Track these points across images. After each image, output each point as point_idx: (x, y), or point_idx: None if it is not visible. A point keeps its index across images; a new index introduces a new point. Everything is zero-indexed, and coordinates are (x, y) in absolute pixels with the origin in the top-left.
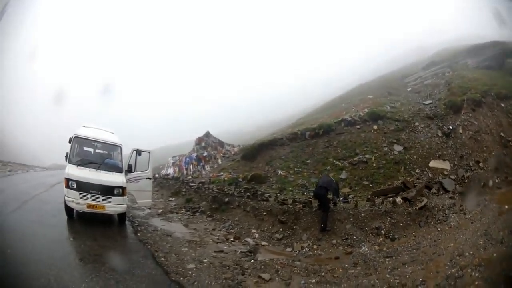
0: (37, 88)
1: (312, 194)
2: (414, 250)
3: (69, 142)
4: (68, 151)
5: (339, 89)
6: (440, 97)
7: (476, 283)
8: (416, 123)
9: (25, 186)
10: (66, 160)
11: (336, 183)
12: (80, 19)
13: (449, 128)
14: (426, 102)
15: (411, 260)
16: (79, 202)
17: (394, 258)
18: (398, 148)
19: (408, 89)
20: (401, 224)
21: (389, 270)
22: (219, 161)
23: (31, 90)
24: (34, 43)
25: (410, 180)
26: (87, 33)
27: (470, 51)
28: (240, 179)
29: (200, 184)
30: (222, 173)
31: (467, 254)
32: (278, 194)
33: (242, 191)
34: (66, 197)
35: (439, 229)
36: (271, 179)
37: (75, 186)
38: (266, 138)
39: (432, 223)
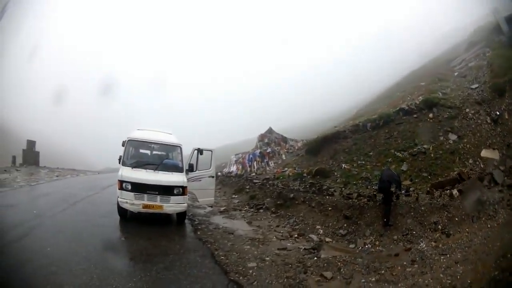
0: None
1: (376, 188)
2: (466, 248)
3: (123, 145)
4: (122, 154)
5: (391, 77)
6: (484, 80)
7: None
8: (467, 110)
9: (74, 189)
10: (119, 163)
11: (398, 176)
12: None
13: (496, 114)
14: (473, 87)
15: (463, 259)
16: (134, 203)
17: (448, 256)
18: (452, 137)
19: (455, 74)
20: (456, 219)
21: (443, 269)
22: (283, 156)
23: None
24: (34, 42)
25: (465, 171)
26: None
27: (499, 27)
28: (305, 174)
29: (265, 181)
30: (286, 168)
31: (508, 256)
32: (343, 188)
33: (307, 186)
34: (119, 199)
35: (489, 225)
36: (336, 173)
37: (129, 187)
38: (329, 131)
39: (483, 218)
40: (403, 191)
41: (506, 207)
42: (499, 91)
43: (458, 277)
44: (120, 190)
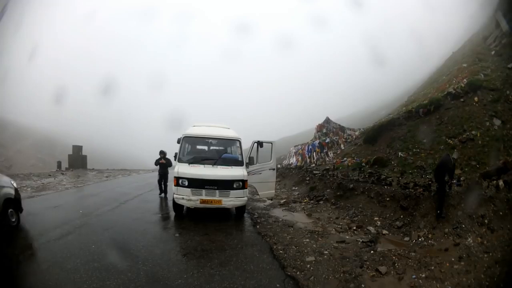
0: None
1: (430, 177)
2: (506, 247)
3: (178, 142)
4: (178, 151)
5: (435, 61)
6: None
7: None
8: (507, 92)
9: (125, 188)
10: (175, 160)
11: (453, 164)
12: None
13: None
14: (510, 66)
15: (502, 259)
16: (191, 198)
17: (491, 254)
18: (497, 122)
19: (492, 52)
20: (501, 213)
21: (484, 269)
22: (342, 146)
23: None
24: (34, 42)
25: (510, 160)
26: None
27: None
28: (363, 164)
29: (325, 171)
30: (345, 158)
31: None
32: (400, 178)
33: (366, 176)
34: (175, 195)
35: None
36: (392, 162)
37: (186, 183)
38: (385, 119)
39: None
40: (454, 181)
41: None
42: None
43: (495, 279)
44: (176, 187)
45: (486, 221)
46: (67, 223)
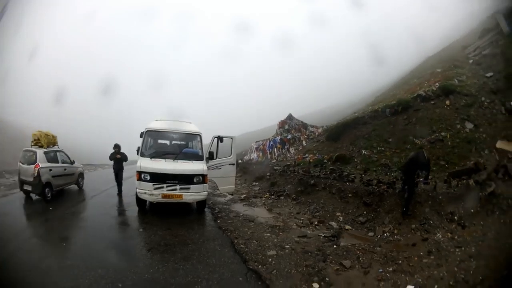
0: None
1: (395, 175)
2: (480, 242)
3: (141, 136)
4: (140, 145)
5: (408, 63)
6: (499, 69)
7: None
8: (482, 98)
9: (92, 183)
10: (138, 154)
11: (427, 159)
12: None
13: (510, 105)
14: (488, 75)
15: (476, 254)
16: (153, 193)
17: (463, 249)
18: (469, 125)
19: (470, 61)
20: (472, 211)
21: (457, 262)
22: (304, 143)
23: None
24: (34, 42)
25: (481, 161)
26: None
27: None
28: (325, 160)
29: (285, 167)
30: (307, 155)
31: None
32: (363, 175)
33: (327, 172)
34: (137, 190)
35: (502, 220)
36: (356, 159)
37: (148, 178)
38: (349, 117)
39: (497, 212)
40: (421, 179)
41: None
42: None
43: (471, 272)
44: (138, 181)
45: (456, 217)
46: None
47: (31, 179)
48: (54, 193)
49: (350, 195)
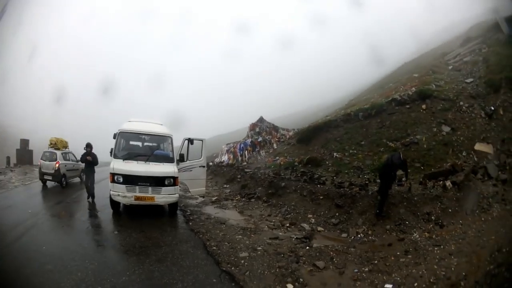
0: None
1: (368, 177)
2: (460, 240)
3: (114, 137)
4: (113, 147)
5: (385, 68)
6: (479, 75)
7: (505, 285)
8: (461, 103)
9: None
10: (111, 156)
11: (402, 160)
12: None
13: (490, 109)
14: (468, 81)
15: (457, 251)
16: (126, 195)
17: (442, 247)
18: (446, 128)
19: (450, 67)
20: (450, 210)
21: (437, 260)
22: (274, 145)
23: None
24: (33, 42)
25: (458, 163)
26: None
27: (498, 25)
28: (296, 163)
29: (256, 170)
30: (277, 157)
31: (504, 250)
32: (335, 177)
33: (298, 175)
34: (111, 192)
35: (483, 218)
36: (327, 162)
37: (121, 179)
38: (321, 120)
39: (477, 211)
40: (396, 180)
41: (501, 202)
42: (494, 87)
43: (453, 269)
44: (112, 183)
45: (433, 217)
46: (20, 224)
47: (53, 172)
48: (68, 182)
49: (321, 197)
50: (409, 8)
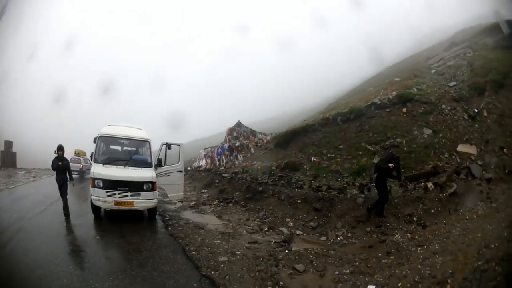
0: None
1: (346, 181)
2: (445, 239)
3: (94, 141)
4: (94, 151)
5: (365, 73)
6: (463, 78)
7: (498, 279)
8: (443, 106)
9: (50, 189)
10: (91, 160)
11: (396, 158)
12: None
13: (474, 111)
14: (451, 84)
15: (441, 250)
16: (106, 200)
17: (425, 247)
18: (427, 131)
19: (432, 71)
20: (432, 211)
21: (420, 260)
22: (252, 150)
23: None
24: (34, 42)
25: (440, 164)
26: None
27: (487, 30)
28: (274, 167)
29: (233, 174)
30: (255, 162)
31: (492, 246)
32: (312, 181)
33: (276, 179)
34: (92, 196)
35: (467, 217)
36: (305, 166)
37: (101, 184)
38: (298, 125)
39: (461, 210)
40: (373, 184)
41: (486, 200)
42: (478, 90)
43: (438, 267)
44: (93, 188)
45: (414, 218)
46: (7, 229)
47: (78, 170)
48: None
49: (299, 201)
50: (409, 8)
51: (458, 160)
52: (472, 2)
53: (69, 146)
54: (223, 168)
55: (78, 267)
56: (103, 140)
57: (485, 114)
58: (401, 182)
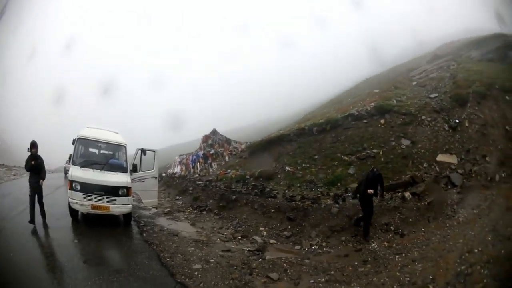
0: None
1: (321, 191)
2: (424, 247)
3: (73, 143)
4: (72, 153)
5: (346, 84)
6: (445, 90)
7: (485, 280)
8: (423, 117)
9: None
10: (70, 162)
11: (376, 175)
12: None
13: (455, 122)
14: (432, 96)
15: (421, 257)
16: (83, 203)
17: (404, 255)
18: (405, 142)
19: (414, 83)
20: (410, 220)
21: (399, 267)
22: (226, 158)
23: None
24: (34, 42)
25: (418, 174)
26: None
27: (473, 44)
28: (248, 176)
29: (208, 182)
30: (229, 170)
31: (475, 250)
32: (286, 191)
33: (249, 188)
34: (70, 199)
35: (448, 224)
36: (279, 176)
37: (79, 187)
38: (274, 134)
39: (441, 218)
40: (350, 194)
41: (467, 207)
42: (460, 101)
43: (418, 274)
44: (70, 191)
45: (392, 227)
46: None
47: None
48: None
49: (273, 210)
50: (409, 8)
51: (438, 169)
52: (472, 2)
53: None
54: (197, 175)
55: (57, 270)
56: (81, 143)
57: (467, 125)
58: (383, 198)
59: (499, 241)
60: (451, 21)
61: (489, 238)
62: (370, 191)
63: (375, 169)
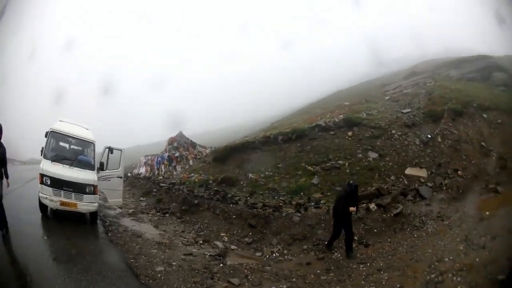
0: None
1: (283, 199)
2: (390, 256)
3: (45, 136)
4: (44, 146)
5: (316, 94)
6: (419, 106)
7: (459, 287)
8: (393, 131)
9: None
10: (41, 155)
11: (352, 189)
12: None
13: (427, 137)
14: (405, 111)
15: (386, 266)
16: (53, 199)
17: (368, 264)
18: (373, 155)
19: (386, 98)
20: (375, 231)
21: (363, 276)
22: (191, 162)
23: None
24: (34, 42)
25: (385, 187)
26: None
27: (454, 63)
28: (211, 181)
29: (171, 185)
30: (193, 174)
31: (446, 259)
32: (248, 198)
33: (212, 193)
34: (40, 194)
35: (415, 235)
36: (242, 182)
37: (49, 182)
38: (238, 141)
39: (408, 229)
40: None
41: (436, 218)
42: (434, 117)
43: (384, 282)
44: (41, 185)
45: (355, 238)
46: None
47: None
48: None
49: (234, 216)
50: (409, 8)
51: (406, 182)
52: (472, 3)
53: None
54: (161, 177)
55: (28, 267)
56: (53, 136)
57: (439, 140)
58: (357, 211)
59: (472, 250)
60: (451, 21)
61: (461, 248)
62: (352, 209)
63: (351, 182)
